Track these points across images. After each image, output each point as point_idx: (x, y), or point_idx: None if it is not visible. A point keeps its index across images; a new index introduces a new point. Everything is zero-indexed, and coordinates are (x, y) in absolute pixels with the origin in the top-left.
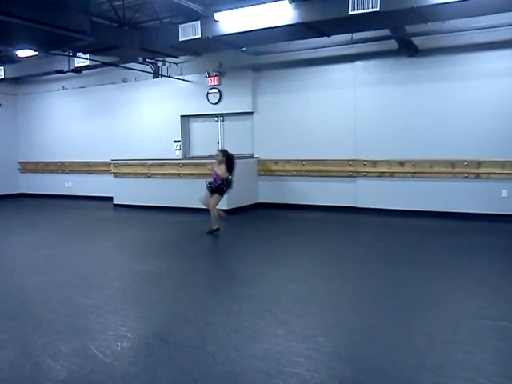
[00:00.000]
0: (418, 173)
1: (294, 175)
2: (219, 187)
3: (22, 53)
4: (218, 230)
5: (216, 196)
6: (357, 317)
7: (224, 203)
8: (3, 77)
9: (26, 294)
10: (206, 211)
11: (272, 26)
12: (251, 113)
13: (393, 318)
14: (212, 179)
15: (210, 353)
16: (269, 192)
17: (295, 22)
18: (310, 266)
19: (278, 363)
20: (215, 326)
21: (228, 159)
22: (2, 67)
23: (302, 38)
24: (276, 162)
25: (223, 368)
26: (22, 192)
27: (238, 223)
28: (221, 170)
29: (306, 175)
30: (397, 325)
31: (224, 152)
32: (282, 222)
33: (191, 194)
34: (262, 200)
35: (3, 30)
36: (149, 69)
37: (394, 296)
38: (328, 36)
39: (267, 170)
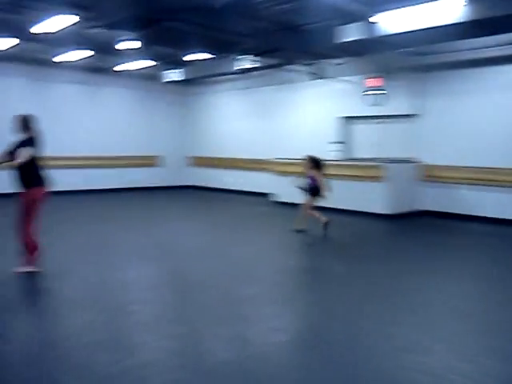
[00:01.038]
0: None
1: (464, 183)
2: (315, 188)
3: (192, 56)
4: (303, 231)
5: (309, 198)
6: None
7: (385, 207)
8: (182, 78)
9: (192, 279)
10: (364, 215)
11: (440, 24)
12: (414, 115)
13: None
14: (305, 183)
15: (362, 358)
16: (435, 199)
17: (468, 19)
18: (475, 282)
19: (433, 379)
20: (371, 331)
21: (317, 164)
22: (181, 69)
23: (475, 37)
24: (444, 168)
25: (375, 375)
26: (190, 184)
27: (402, 231)
28: (315, 173)
29: (476, 183)
30: None
31: (312, 158)
32: (448, 232)
33: (349, 195)
34: (427, 207)
35: (178, 36)
36: (309, 70)
37: None
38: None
39: (433, 175)
